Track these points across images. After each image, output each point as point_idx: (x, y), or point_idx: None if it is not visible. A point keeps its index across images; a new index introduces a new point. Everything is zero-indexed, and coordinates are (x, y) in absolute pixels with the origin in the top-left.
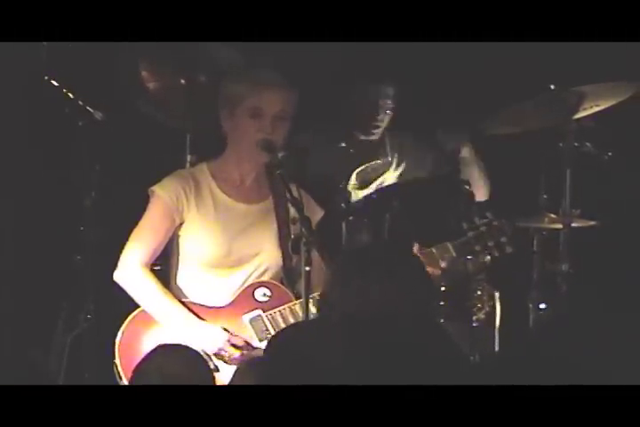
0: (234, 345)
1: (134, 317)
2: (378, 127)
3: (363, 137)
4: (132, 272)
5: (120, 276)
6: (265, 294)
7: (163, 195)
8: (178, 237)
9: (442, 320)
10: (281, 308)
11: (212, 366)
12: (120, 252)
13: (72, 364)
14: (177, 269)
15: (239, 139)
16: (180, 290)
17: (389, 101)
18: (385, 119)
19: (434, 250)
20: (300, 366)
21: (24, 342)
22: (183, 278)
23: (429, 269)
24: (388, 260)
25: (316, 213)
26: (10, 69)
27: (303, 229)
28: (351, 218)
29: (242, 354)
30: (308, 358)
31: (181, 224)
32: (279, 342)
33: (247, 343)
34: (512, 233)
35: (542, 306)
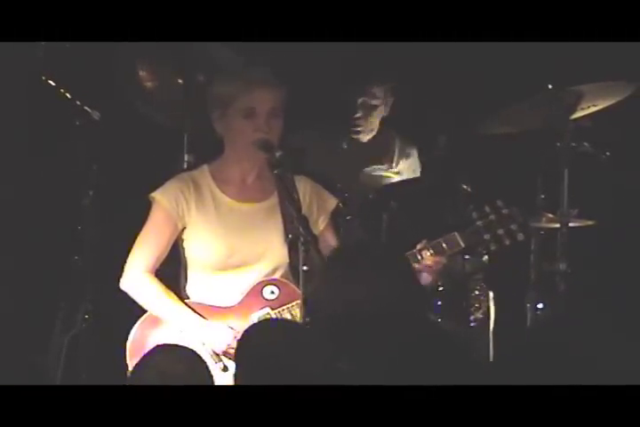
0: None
1: (144, 320)
2: (360, 126)
3: (352, 136)
4: (137, 280)
5: (126, 284)
6: (272, 292)
7: (163, 201)
8: (182, 241)
9: (439, 320)
10: (289, 305)
11: (221, 366)
12: (118, 251)
13: (69, 364)
14: (185, 272)
15: (235, 139)
16: (190, 293)
17: (374, 101)
18: (368, 119)
19: (442, 241)
20: (269, 366)
21: (22, 342)
22: (192, 281)
23: (437, 259)
24: (374, 260)
25: (329, 202)
26: (7, 69)
27: (301, 229)
28: (349, 218)
29: None
30: (275, 357)
31: (184, 229)
32: (244, 341)
33: None
34: (523, 220)
35: (540, 306)
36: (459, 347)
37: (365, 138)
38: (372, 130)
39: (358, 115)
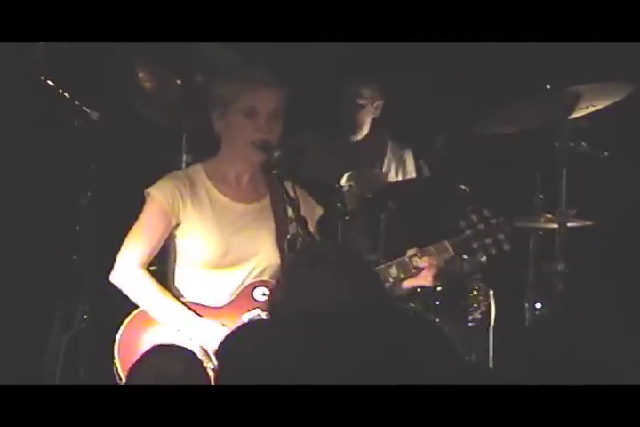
0: None
1: (134, 316)
2: (345, 124)
3: (346, 136)
4: (128, 274)
5: (116, 277)
6: (264, 294)
7: (158, 197)
8: (175, 237)
9: (438, 320)
10: None
11: (212, 366)
12: (116, 251)
13: (68, 364)
14: (175, 269)
15: (234, 139)
16: (179, 290)
17: (360, 100)
18: (354, 118)
19: (432, 248)
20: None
21: (20, 342)
22: (182, 279)
23: (431, 265)
24: (334, 260)
25: (315, 211)
26: (6, 69)
27: (299, 229)
28: (347, 218)
29: None
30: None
31: (178, 225)
32: (226, 344)
33: None
34: (510, 230)
35: (538, 306)
36: (457, 347)
37: (354, 138)
38: (359, 130)
39: (343, 113)
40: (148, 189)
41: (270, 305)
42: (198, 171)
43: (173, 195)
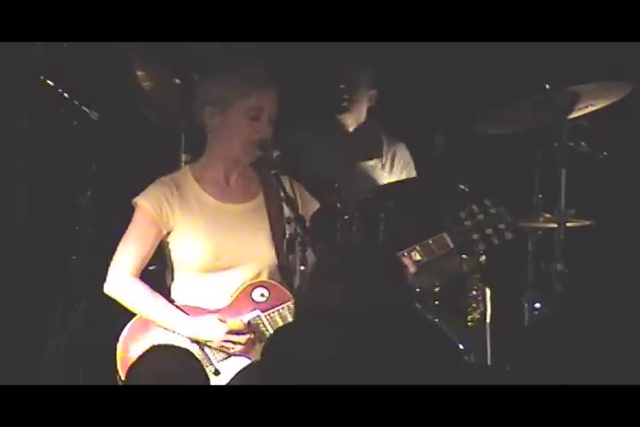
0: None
1: (135, 321)
2: (345, 100)
3: (339, 115)
4: (121, 284)
5: (110, 288)
6: (262, 294)
7: (146, 206)
8: (168, 244)
9: (436, 320)
10: (279, 307)
11: (212, 370)
12: (115, 252)
13: (67, 364)
14: (172, 274)
15: (231, 138)
16: (178, 295)
17: (362, 83)
18: (353, 95)
19: (430, 241)
20: (294, 366)
21: (18, 342)
22: (180, 283)
23: (426, 260)
24: (362, 259)
25: (311, 206)
26: (5, 69)
27: (298, 229)
28: (346, 217)
29: (245, 344)
30: (301, 358)
31: (169, 233)
32: (273, 344)
33: (244, 333)
34: (510, 219)
35: (537, 305)
36: (456, 347)
37: (351, 122)
38: (355, 113)
39: (342, 86)
40: (136, 199)
41: (296, 302)
42: (185, 174)
43: (161, 204)
